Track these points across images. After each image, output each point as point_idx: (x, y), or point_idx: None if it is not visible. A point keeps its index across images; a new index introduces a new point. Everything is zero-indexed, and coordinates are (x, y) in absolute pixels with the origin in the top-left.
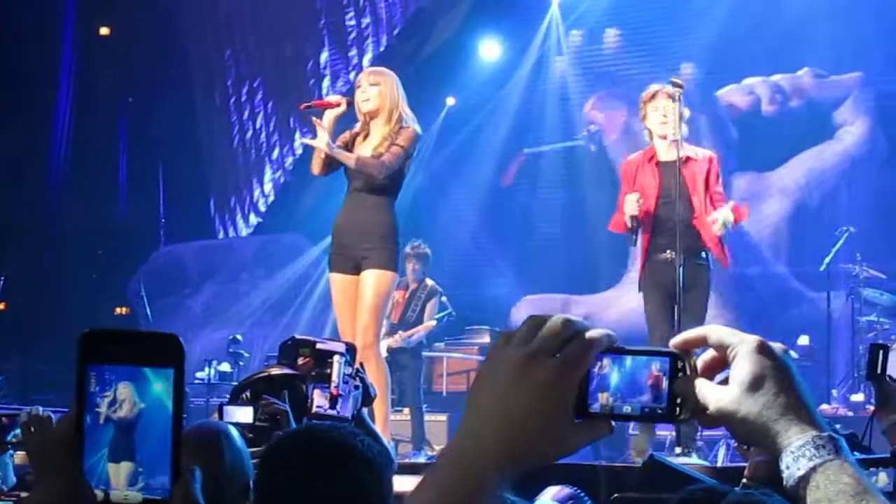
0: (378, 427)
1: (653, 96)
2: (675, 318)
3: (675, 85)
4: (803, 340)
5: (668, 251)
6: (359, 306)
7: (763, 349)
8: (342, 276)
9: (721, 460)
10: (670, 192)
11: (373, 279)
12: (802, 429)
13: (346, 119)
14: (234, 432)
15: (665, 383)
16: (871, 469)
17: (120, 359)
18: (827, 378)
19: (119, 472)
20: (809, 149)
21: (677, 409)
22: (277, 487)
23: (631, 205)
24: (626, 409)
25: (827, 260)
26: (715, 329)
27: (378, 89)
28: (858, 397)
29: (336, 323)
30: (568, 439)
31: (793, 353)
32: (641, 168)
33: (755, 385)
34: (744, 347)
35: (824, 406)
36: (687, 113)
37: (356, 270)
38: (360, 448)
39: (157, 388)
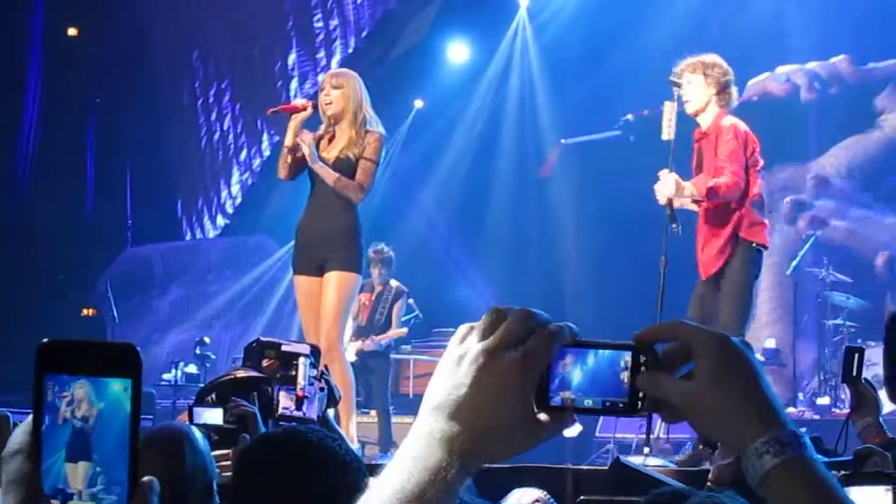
0: (343, 429)
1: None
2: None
3: (672, 83)
4: (770, 343)
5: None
6: (322, 308)
7: (725, 345)
8: (306, 279)
9: None
10: (697, 173)
11: (336, 281)
12: (766, 425)
13: (313, 121)
14: (197, 434)
15: (627, 377)
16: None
17: (77, 369)
18: (793, 381)
19: (77, 472)
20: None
21: (638, 402)
22: (257, 488)
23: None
24: (588, 402)
25: (794, 263)
26: (678, 324)
27: (341, 92)
28: (825, 400)
29: (300, 323)
30: (529, 433)
31: (758, 357)
32: None
33: (717, 380)
34: (706, 343)
35: (790, 409)
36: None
37: (320, 272)
38: (339, 451)
39: (116, 388)
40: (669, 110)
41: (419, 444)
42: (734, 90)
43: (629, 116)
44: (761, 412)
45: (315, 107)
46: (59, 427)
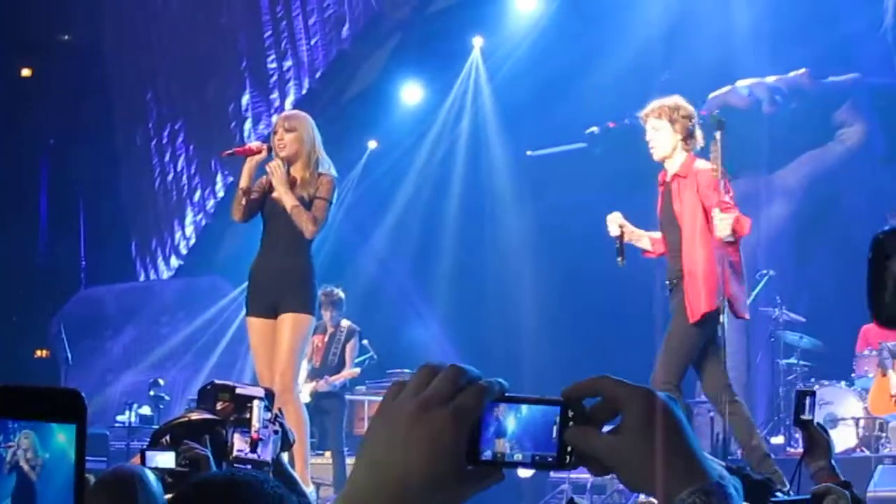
0: (298, 471)
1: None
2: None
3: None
4: None
5: (667, 281)
6: (276, 350)
7: (650, 399)
8: (259, 320)
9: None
10: (665, 215)
11: (290, 323)
12: (691, 477)
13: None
14: (150, 476)
15: (555, 432)
16: None
17: (22, 414)
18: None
19: None
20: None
21: (567, 457)
22: None
23: (609, 225)
24: (517, 456)
25: (748, 302)
26: (604, 379)
27: (294, 134)
28: (779, 440)
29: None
30: (460, 488)
31: None
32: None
33: (642, 434)
34: (632, 398)
35: None
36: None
37: (273, 314)
38: (275, 496)
39: (61, 438)
40: (715, 149)
41: (354, 499)
42: (699, 134)
43: (594, 129)
44: (687, 464)
45: (270, 149)
46: (4, 477)
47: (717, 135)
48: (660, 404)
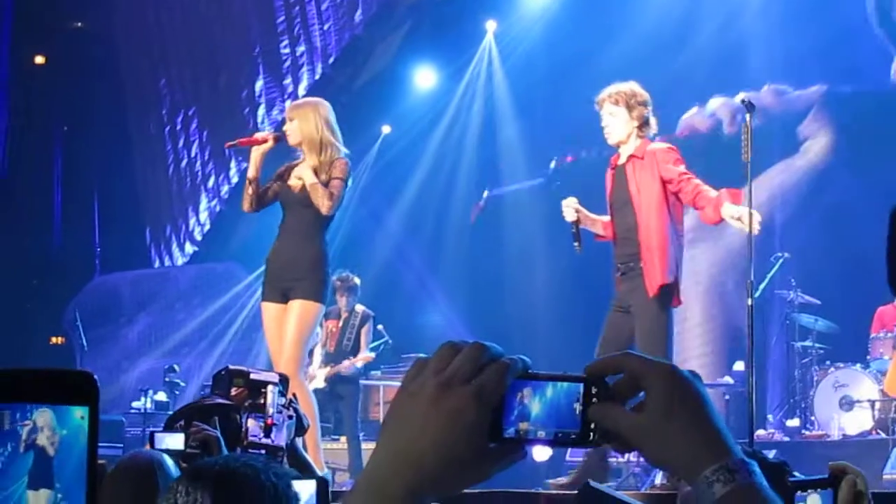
0: (311, 456)
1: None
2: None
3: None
4: (738, 366)
5: (620, 264)
6: (283, 337)
7: (674, 376)
8: (272, 305)
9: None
10: (617, 198)
11: (298, 310)
12: (715, 454)
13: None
14: (169, 461)
15: (579, 409)
16: (808, 491)
17: (35, 397)
18: (763, 403)
19: (39, 500)
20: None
21: (590, 434)
22: None
23: (564, 210)
24: (540, 433)
25: (762, 286)
26: (627, 356)
27: (296, 123)
28: (794, 422)
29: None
30: (482, 465)
31: (728, 379)
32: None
33: (666, 411)
34: (656, 374)
35: (760, 431)
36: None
37: (285, 300)
38: (269, 485)
39: (76, 415)
40: (746, 132)
41: (372, 479)
42: (654, 120)
43: (552, 164)
44: (710, 441)
45: (277, 138)
46: (21, 455)
47: (748, 117)
48: (683, 380)
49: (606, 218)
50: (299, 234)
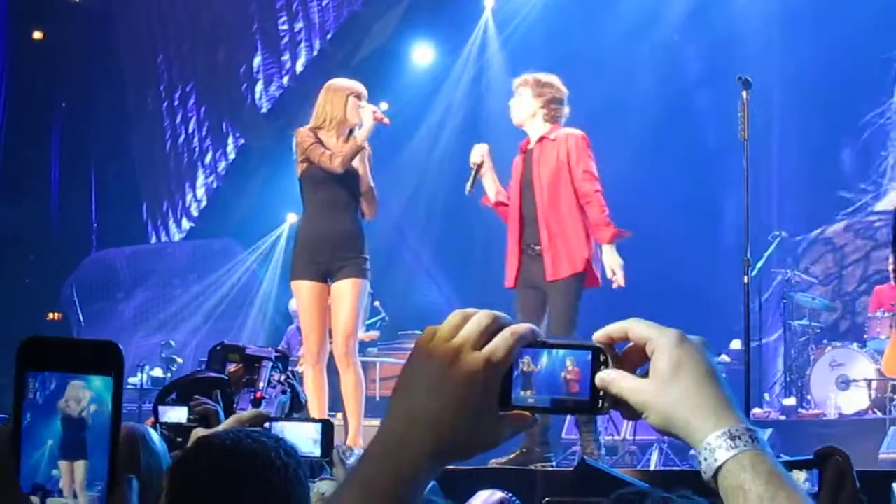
0: (352, 432)
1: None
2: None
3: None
4: (735, 345)
5: (526, 246)
6: (339, 315)
7: (682, 342)
8: (312, 284)
9: (654, 464)
10: (525, 181)
11: (352, 288)
12: (719, 420)
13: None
14: (154, 435)
15: (588, 376)
16: (793, 471)
17: (59, 366)
18: (760, 382)
19: (75, 470)
20: None
21: (599, 401)
22: (186, 494)
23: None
24: (550, 401)
25: (759, 265)
26: (636, 323)
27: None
28: (791, 401)
29: (269, 327)
30: (493, 432)
31: (725, 358)
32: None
33: (673, 377)
34: (663, 340)
35: (756, 410)
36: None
37: (325, 279)
38: (275, 456)
39: (100, 384)
40: (742, 109)
41: (386, 445)
42: (566, 109)
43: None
44: (715, 407)
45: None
46: (45, 424)
47: (744, 94)
48: (690, 347)
49: (505, 194)
50: (340, 213)
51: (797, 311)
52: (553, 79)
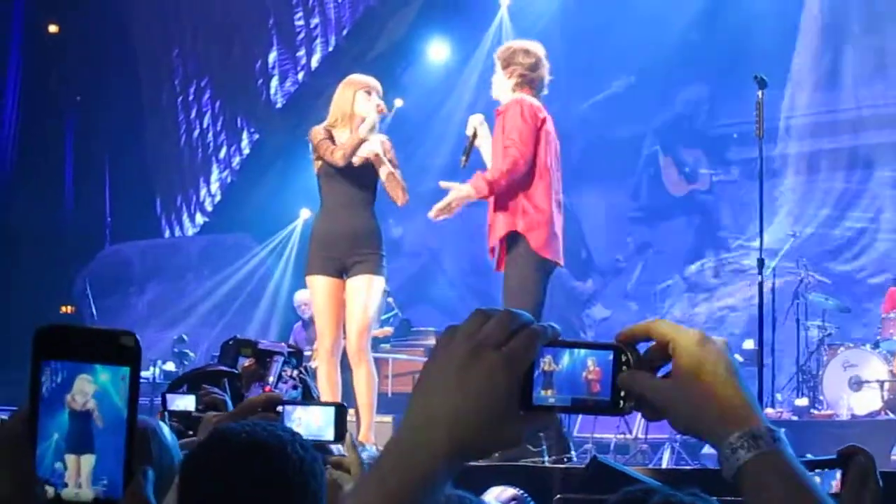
0: (363, 428)
1: None
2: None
3: None
4: (748, 344)
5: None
6: (354, 311)
7: (703, 342)
8: (328, 279)
9: (665, 463)
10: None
11: (368, 285)
12: (740, 421)
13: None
14: (165, 428)
15: (609, 376)
16: (815, 471)
17: (76, 355)
18: (772, 382)
19: (81, 464)
20: None
21: (621, 401)
22: (199, 487)
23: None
24: (571, 400)
25: (772, 264)
26: (658, 323)
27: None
28: (803, 402)
29: (282, 322)
30: (513, 431)
31: (738, 357)
32: None
33: (695, 377)
34: (685, 341)
35: (769, 410)
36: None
37: (340, 275)
38: (291, 450)
39: (112, 377)
40: (758, 106)
41: (404, 443)
42: (539, 73)
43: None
44: (736, 408)
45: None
46: (51, 418)
47: (760, 94)
48: (712, 347)
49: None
50: (358, 210)
51: (810, 311)
52: (519, 43)
